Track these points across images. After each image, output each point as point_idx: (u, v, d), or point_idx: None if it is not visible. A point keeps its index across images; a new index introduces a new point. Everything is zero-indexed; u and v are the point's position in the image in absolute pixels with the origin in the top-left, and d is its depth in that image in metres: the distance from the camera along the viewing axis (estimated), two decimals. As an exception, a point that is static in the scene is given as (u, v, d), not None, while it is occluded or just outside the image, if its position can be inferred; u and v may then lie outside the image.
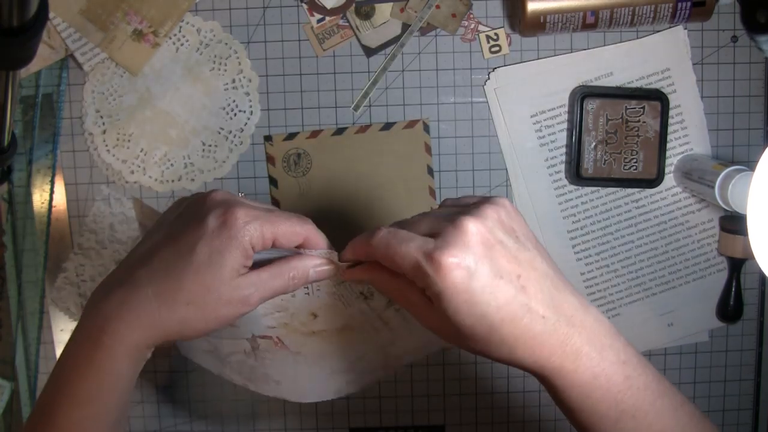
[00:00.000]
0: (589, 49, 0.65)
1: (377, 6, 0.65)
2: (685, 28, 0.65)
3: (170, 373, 0.69)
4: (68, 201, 0.67)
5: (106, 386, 0.41)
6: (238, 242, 0.40)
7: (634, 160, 0.66)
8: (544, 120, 0.66)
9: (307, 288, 0.45)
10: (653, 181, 0.66)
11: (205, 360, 0.51)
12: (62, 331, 0.68)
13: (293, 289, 0.43)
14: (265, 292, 0.42)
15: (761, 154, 0.46)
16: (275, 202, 0.67)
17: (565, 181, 0.67)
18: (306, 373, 0.50)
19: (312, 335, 0.48)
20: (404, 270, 0.38)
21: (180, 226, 0.41)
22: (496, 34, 0.65)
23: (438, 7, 0.64)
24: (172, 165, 0.66)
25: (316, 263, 0.43)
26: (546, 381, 0.40)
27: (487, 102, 0.66)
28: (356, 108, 0.66)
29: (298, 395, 0.51)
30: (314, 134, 0.66)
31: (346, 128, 0.66)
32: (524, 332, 0.37)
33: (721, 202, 0.59)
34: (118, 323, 0.40)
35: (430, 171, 0.67)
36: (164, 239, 0.41)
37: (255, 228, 0.40)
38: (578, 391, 0.39)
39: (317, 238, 0.43)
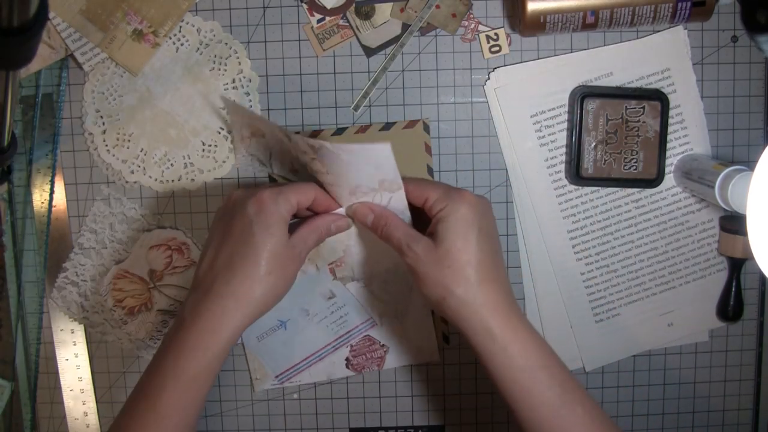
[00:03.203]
0: (589, 49, 0.65)
1: (377, 6, 0.65)
2: (685, 28, 0.65)
3: (170, 373, 0.69)
4: (68, 201, 0.67)
5: (214, 367, 0.51)
6: (278, 213, 0.51)
7: (634, 160, 0.66)
8: (544, 120, 0.66)
9: None
10: (653, 181, 0.66)
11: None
12: (62, 331, 0.68)
13: (322, 241, 0.56)
14: (308, 246, 0.54)
15: (761, 154, 0.46)
16: (275, 202, 0.67)
17: (565, 181, 0.67)
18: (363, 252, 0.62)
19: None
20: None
21: (229, 228, 0.52)
22: (496, 34, 0.65)
23: (438, 7, 0.64)
24: (172, 165, 0.66)
25: (333, 219, 0.56)
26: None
27: (487, 102, 0.66)
28: (356, 108, 0.66)
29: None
30: (314, 134, 0.66)
31: (346, 128, 0.66)
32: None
33: (721, 202, 0.59)
34: (227, 300, 0.50)
35: (430, 171, 0.67)
36: (225, 242, 0.52)
37: (283, 199, 0.52)
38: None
39: (323, 195, 0.55)
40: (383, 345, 0.68)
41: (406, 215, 0.56)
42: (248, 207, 0.51)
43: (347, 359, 0.68)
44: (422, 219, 0.55)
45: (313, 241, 0.54)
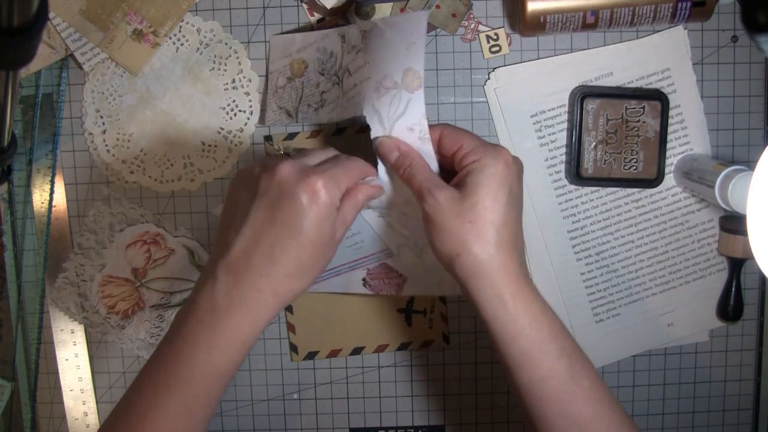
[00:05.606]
0: (589, 49, 0.65)
1: (377, 6, 0.64)
2: (685, 28, 0.65)
3: (170, 373, 0.69)
4: (68, 201, 0.67)
5: (242, 359, 0.50)
6: (332, 206, 0.48)
7: (634, 160, 0.66)
8: (544, 120, 0.66)
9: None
10: (653, 181, 0.66)
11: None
12: (62, 331, 0.68)
13: (360, 211, 0.54)
14: (348, 225, 0.51)
15: (761, 154, 0.46)
16: (275, 202, 0.67)
17: (565, 181, 0.67)
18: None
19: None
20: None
21: (275, 213, 0.48)
22: (496, 34, 0.65)
23: (438, 7, 0.64)
24: (171, 165, 0.66)
25: (369, 189, 0.53)
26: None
27: (487, 102, 0.66)
28: (356, 108, 0.66)
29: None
30: (314, 134, 0.66)
31: (346, 128, 0.66)
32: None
33: (721, 202, 0.59)
34: (267, 295, 0.48)
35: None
36: (267, 226, 0.48)
37: (336, 187, 0.49)
38: None
39: (371, 170, 0.54)
40: (401, 274, 0.64)
41: (424, 125, 0.53)
42: (300, 196, 0.47)
43: (364, 279, 0.65)
44: (443, 171, 0.54)
45: (353, 217, 0.52)
